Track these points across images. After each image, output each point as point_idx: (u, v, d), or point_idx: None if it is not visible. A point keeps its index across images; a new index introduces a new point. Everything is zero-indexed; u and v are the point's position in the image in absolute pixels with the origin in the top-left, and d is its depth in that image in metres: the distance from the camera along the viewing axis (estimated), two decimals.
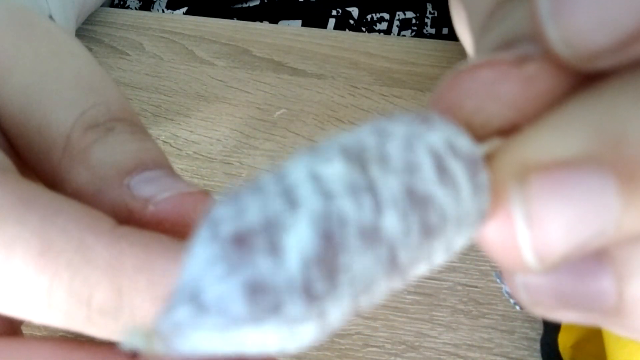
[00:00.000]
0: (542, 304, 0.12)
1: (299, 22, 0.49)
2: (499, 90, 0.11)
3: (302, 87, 0.41)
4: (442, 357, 0.30)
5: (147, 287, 0.13)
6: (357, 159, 0.10)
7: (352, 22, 0.49)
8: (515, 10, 0.13)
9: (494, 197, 0.11)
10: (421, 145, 0.10)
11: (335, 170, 0.10)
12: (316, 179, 0.10)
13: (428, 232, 0.10)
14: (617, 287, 0.11)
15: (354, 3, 0.49)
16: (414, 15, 0.49)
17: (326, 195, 0.10)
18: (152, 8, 0.51)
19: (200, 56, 0.44)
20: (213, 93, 0.41)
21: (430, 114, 0.11)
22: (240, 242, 0.09)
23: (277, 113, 0.40)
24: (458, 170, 0.10)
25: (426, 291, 0.32)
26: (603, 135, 0.10)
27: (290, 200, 0.10)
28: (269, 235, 0.09)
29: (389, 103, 0.41)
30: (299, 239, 0.09)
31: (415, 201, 0.10)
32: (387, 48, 0.44)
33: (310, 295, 0.09)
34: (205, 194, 0.16)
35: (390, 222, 0.10)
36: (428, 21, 0.49)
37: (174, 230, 0.15)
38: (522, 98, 0.11)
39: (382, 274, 0.10)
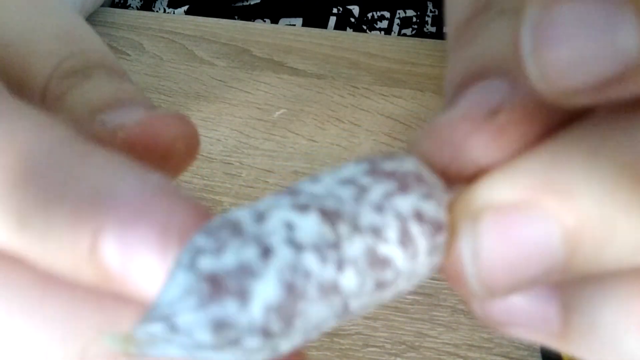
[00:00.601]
0: (493, 319, 0.13)
1: (300, 20, 0.49)
2: (472, 141, 0.12)
3: (302, 87, 0.41)
4: (442, 357, 0.30)
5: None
6: (331, 214, 0.11)
7: (352, 20, 0.49)
8: (491, 25, 0.13)
9: (451, 234, 0.12)
10: (391, 210, 0.12)
11: (309, 223, 0.11)
12: (290, 228, 0.11)
13: (381, 286, 0.12)
14: (563, 316, 0.12)
15: (355, 1, 0.49)
16: (415, 13, 0.49)
17: (296, 246, 0.11)
18: (154, 6, 0.51)
19: (200, 56, 0.44)
20: (213, 93, 0.41)
21: (409, 173, 0.12)
22: (214, 282, 0.11)
23: (277, 113, 0.40)
24: (420, 234, 0.12)
25: (426, 291, 0.32)
26: (551, 185, 0.11)
27: (264, 247, 0.11)
28: (240, 281, 0.11)
29: (389, 103, 0.41)
30: (265, 288, 0.11)
31: (375, 262, 0.11)
32: (387, 48, 0.44)
33: (267, 334, 0.11)
34: (178, 116, 0.15)
35: (348, 279, 0.11)
36: (429, 19, 0.49)
37: (146, 154, 0.15)
38: (493, 147, 0.12)
39: (333, 318, 0.12)
